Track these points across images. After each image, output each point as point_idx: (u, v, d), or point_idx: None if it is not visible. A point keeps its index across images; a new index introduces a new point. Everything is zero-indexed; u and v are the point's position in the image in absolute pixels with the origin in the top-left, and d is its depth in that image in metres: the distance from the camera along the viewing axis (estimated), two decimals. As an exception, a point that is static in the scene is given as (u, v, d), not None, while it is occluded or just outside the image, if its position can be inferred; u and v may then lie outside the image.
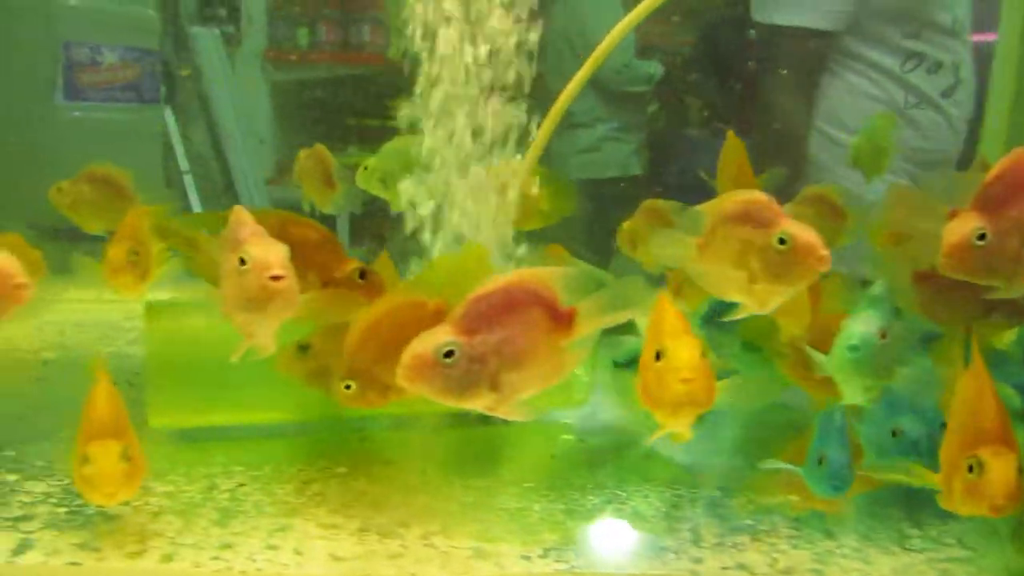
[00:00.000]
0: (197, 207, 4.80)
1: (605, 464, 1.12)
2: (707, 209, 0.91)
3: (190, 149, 4.74)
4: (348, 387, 0.93)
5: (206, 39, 4.83)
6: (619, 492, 1.02)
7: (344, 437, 1.15)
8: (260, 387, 1.05)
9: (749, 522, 0.95)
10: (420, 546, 0.87)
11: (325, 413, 1.11)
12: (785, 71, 2.15)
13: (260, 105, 5.32)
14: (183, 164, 4.70)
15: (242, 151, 5.03)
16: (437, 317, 0.92)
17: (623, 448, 1.18)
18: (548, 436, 1.20)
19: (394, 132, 5.79)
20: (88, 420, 0.84)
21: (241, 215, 0.86)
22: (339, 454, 1.10)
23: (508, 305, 0.78)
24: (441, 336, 0.77)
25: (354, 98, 5.76)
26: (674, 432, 0.87)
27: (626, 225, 1.46)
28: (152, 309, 1.08)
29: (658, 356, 0.81)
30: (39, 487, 0.96)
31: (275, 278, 0.79)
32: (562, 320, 0.79)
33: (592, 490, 1.02)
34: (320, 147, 1.42)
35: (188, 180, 4.60)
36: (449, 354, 0.76)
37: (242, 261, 0.80)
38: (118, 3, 3.48)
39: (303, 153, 1.45)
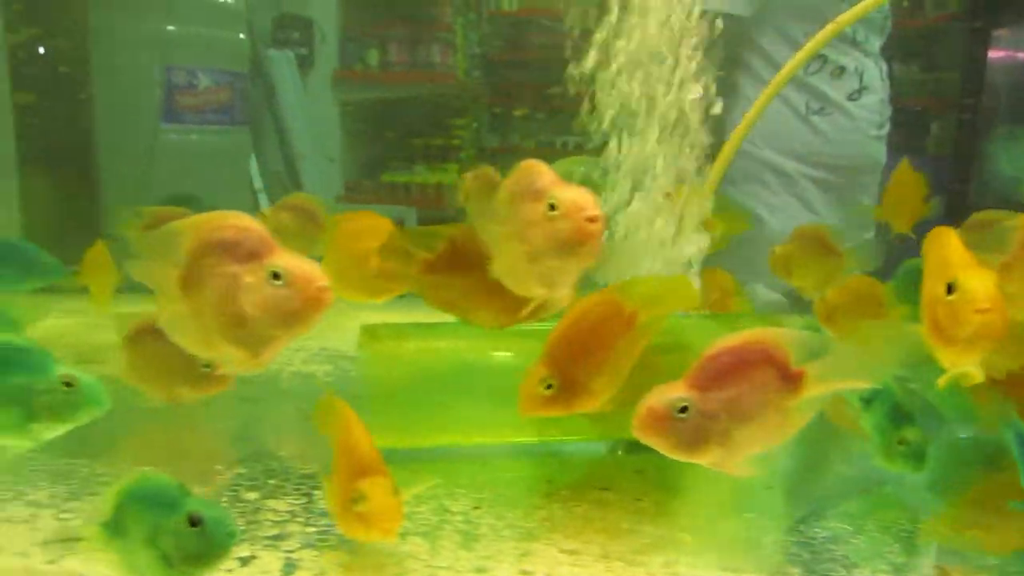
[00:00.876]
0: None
1: (823, 496, 1.12)
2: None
3: (264, 168, 4.82)
4: (549, 387, 0.95)
5: (281, 61, 4.93)
6: (845, 525, 1.02)
7: (556, 460, 1.17)
8: (473, 409, 1.07)
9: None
10: (666, 574, 0.89)
11: (542, 436, 1.13)
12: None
13: (330, 124, 5.41)
14: (257, 182, 4.78)
15: (313, 169, 5.11)
16: (629, 322, 0.95)
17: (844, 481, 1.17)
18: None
19: (457, 151, 5.84)
20: (351, 456, 0.85)
21: (536, 166, 0.86)
22: (557, 477, 1.11)
23: (741, 364, 0.80)
24: (676, 391, 0.80)
25: (421, 117, 5.84)
26: (964, 372, 0.86)
27: (778, 250, 1.47)
28: (368, 331, 1.11)
29: (950, 290, 0.82)
30: (280, 505, 0.99)
31: (590, 219, 0.80)
32: (792, 381, 0.81)
33: (814, 521, 1.02)
34: (487, 168, 1.44)
35: (262, 198, 4.68)
36: (683, 409, 0.79)
37: (552, 207, 0.81)
38: (213, 28, 3.57)
39: (470, 174, 1.46)
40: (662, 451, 0.82)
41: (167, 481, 0.76)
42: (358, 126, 5.62)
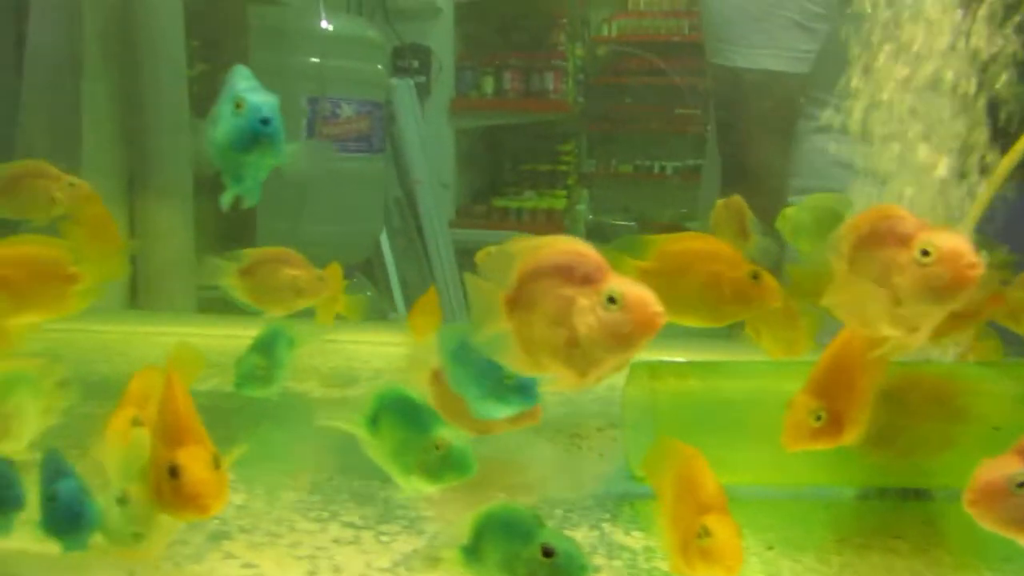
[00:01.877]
0: (388, 250, 4.99)
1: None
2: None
3: (386, 193, 4.93)
4: (819, 418, 0.94)
5: (403, 89, 5.04)
6: None
7: (816, 505, 1.16)
8: (754, 451, 1.07)
9: None
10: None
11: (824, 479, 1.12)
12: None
13: (444, 151, 5.51)
14: (377, 208, 4.89)
15: (429, 195, 5.21)
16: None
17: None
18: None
19: (565, 176, 5.85)
20: (695, 492, 0.85)
21: (895, 209, 0.85)
22: (839, 523, 1.11)
23: None
24: (1013, 466, 0.78)
25: (532, 144, 5.92)
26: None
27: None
28: (644, 369, 1.12)
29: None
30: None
31: (970, 266, 0.78)
32: None
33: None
34: (737, 198, 1.44)
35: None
36: (1021, 484, 0.77)
37: (925, 253, 0.80)
38: (355, 60, 3.68)
39: (720, 202, 1.46)
40: (995, 528, 0.80)
41: (524, 511, 0.78)
42: (471, 152, 5.72)
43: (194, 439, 0.78)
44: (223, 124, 0.93)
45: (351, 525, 1.01)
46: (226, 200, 1.00)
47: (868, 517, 1.15)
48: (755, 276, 1.03)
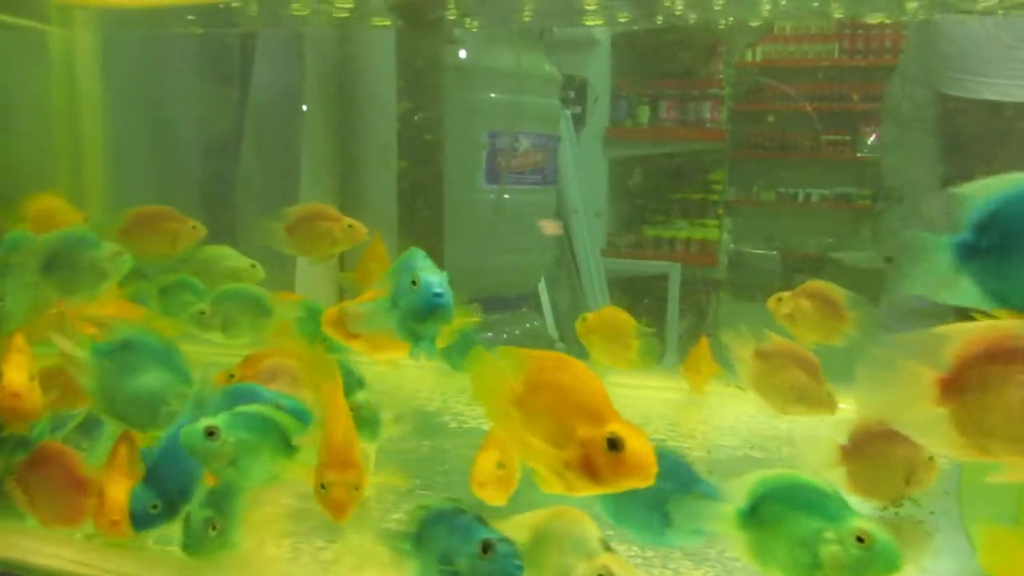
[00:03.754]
0: (542, 279, 5.05)
1: None
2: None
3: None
4: None
5: (561, 120, 5.10)
6: None
7: None
8: None
9: None
10: None
11: None
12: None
13: (598, 180, 5.54)
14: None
15: (584, 224, 5.24)
16: None
17: None
18: None
19: (716, 206, 5.76)
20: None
21: None
22: None
23: None
24: None
25: (684, 173, 5.88)
26: None
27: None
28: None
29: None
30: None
31: None
32: None
33: None
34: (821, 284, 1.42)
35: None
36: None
37: None
38: (533, 95, 3.75)
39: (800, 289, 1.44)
40: None
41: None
42: (624, 181, 5.73)
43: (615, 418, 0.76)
44: (405, 299, 1.03)
45: None
46: (412, 354, 1.09)
47: None
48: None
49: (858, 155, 6.11)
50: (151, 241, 1.53)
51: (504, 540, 0.80)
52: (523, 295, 3.98)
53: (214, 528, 0.96)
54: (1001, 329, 0.72)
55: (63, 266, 1.26)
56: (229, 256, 1.57)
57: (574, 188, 5.20)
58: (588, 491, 0.74)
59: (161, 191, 2.42)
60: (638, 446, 0.72)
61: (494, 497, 1.02)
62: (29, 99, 2.23)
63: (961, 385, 0.73)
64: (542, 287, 5.14)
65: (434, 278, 1.03)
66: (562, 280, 5.27)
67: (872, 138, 5.93)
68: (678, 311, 5.22)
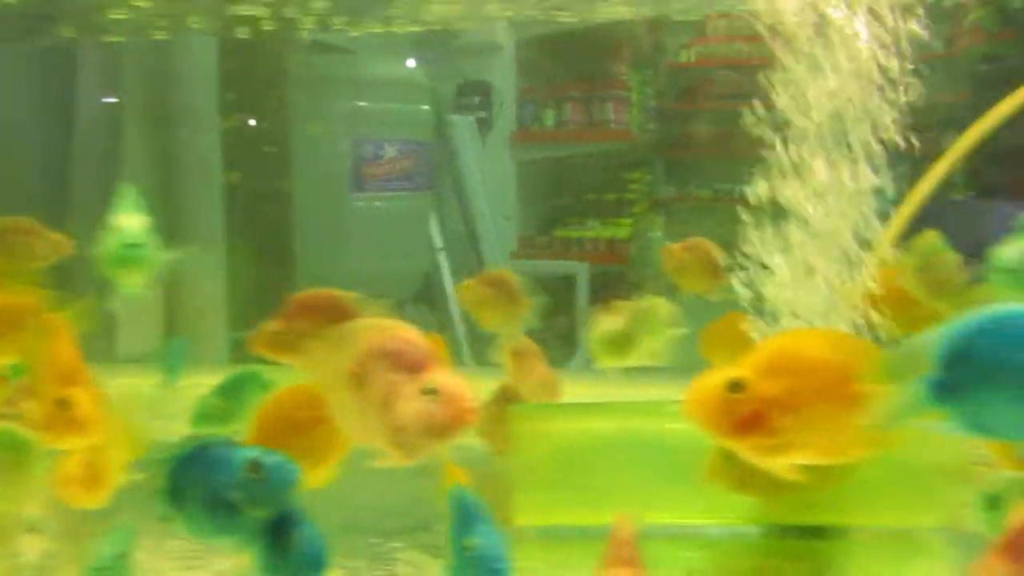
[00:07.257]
0: (449, 282, 5.10)
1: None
2: None
3: (445, 228, 5.04)
4: None
5: (462, 126, 5.15)
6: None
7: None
8: (626, 488, 1.07)
9: None
10: None
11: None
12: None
13: (506, 184, 5.57)
14: (438, 242, 5.00)
15: (491, 228, 5.28)
16: None
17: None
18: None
19: (631, 204, 5.78)
20: None
21: None
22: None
23: None
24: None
25: (594, 174, 5.91)
26: None
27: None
28: (519, 411, 1.14)
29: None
30: None
31: None
32: None
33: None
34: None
35: (442, 257, 4.89)
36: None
37: None
38: (399, 102, 3.81)
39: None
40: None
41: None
42: (533, 184, 5.76)
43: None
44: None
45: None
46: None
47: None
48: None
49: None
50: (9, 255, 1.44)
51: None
52: (403, 299, 4.02)
53: None
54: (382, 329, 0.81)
55: None
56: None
57: (479, 193, 5.24)
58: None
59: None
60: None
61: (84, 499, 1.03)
62: None
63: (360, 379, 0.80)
64: (449, 289, 5.18)
65: (131, 223, 1.08)
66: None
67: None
68: (587, 311, 5.25)
